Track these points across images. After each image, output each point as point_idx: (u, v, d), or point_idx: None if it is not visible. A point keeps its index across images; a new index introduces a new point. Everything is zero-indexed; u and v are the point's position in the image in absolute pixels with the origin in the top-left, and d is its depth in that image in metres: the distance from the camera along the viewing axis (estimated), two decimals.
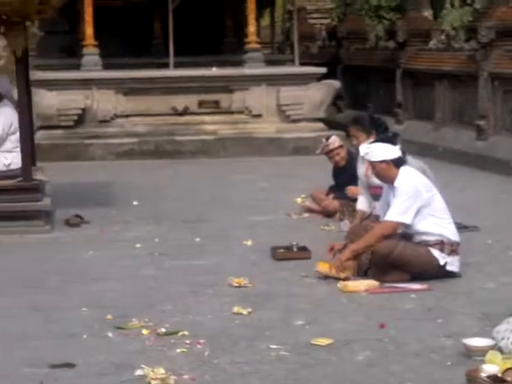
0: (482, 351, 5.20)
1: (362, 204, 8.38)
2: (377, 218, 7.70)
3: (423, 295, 6.84)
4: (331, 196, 9.97)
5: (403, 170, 7.34)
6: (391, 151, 7.37)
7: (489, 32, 13.91)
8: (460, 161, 12.88)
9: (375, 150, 7.44)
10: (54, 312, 6.56)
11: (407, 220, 7.15)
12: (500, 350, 5.15)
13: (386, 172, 7.37)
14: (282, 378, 5.15)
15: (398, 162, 7.35)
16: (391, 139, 7.66)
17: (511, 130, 13.31)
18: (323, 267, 7.39)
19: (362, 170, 8.44)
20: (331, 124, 15.49)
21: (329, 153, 10.00)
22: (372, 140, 8.05)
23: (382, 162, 7.37)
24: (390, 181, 7.36)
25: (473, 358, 5.19)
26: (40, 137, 12.30)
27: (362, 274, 7.29)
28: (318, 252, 7.89)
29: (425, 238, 7.24)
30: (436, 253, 7.18)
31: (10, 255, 8.39)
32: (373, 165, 7.51)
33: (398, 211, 7.17)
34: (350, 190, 9.36)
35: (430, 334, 5.88)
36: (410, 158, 8.40)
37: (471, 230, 8.27)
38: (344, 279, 7.18)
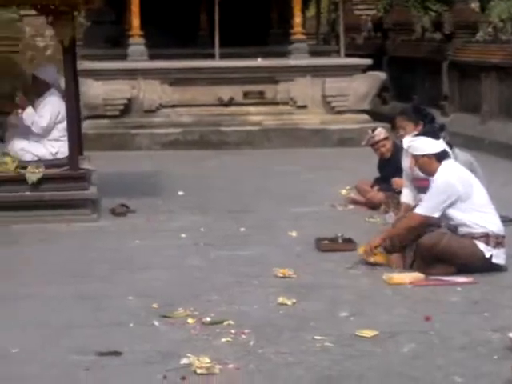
0: None
1: (407, 196, 8.34)
2: None
3: (469, 288, 6.80)
4: (376, 188, 9.96)
5: (444, 164, 7.31)
6: (433, 145, 7.35)
7: None
8: (506, 154, 12.77)
9: (418, 144, 7.43)
10: (101, 300, 6.63)
11: (435, 214, 7.16)
12: None
13: (428, 166, 7.36)
14: (326, 369, 5.15)
15: (441, 156, 7.32)
16: (435, 132, 7.65)
17: None
18: (368, 254, 7.52)
19: (406, 162, 8.40)
20: (376, 116, 15.45)
21: (374, 144, 9.98)
22: (418, 131, 8.02)
23: (424, 155, 7.36)
24: (431, 174, 7.35)
25: None
26: (86, 126, 12.39)
27: (408, 266, 7.27)
28: (363, 244, 7.86)
29: (469, 230, 7.20)
30: (481, 245, 7.13)
31: (56, 244, 8.48)
32: (416, 158, 7.51)
33: (426, 205, 7.23)
34: (395, 181, 9.33)
35: (475, 327, 5.85)
36: (457, 151, 8.39)
37: None
38: (375, 264, 7.38)
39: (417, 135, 7.72)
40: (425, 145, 7.37)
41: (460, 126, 14.20)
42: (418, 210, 7.25)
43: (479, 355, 5.35)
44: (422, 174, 7.77)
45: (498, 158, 12.08)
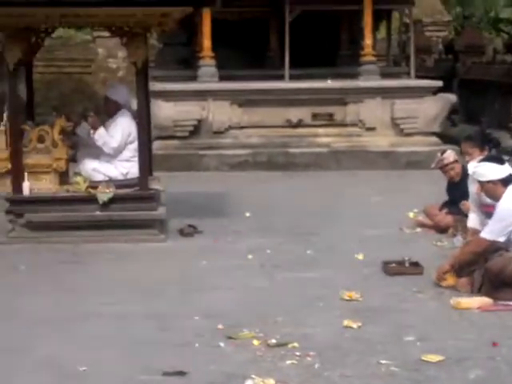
0: None
1: (473, 221, 8.27)
2: None
3: None
4: (444, 211, 9.88)
5: (510, 189, 7.26)
6: (498, 170, 7.30)
7: None
8: None
9: (483, 170, 7.39)
10: (168, 320, 6.67)
11: (500, 238, 7.11)
12: None
13: (493, 191, 7.31)
14: None
15: (506, 181, 7.27)
16: (500, 157, 7.60)
17: None
18: (444, 277, 7.49)
19: (473, 187, 8.34)
20: (445, 138, 15.36)
21: (443, 167, 9.93)
22: (483, 157, 7.97)
23: (489, 181, 7.33)
24: (497, 199, 7.30)
25: None
26: (156, 147, 12.51)
27: (476, 290, 7.20)
28: (431, 268, 7.84)
29: None
30: None
31: (125, 263, 8.56)
32: (481, 184, 7.47)
33: (491, 230, 7.17)
34: (465, 205, 9.24)
35: None
36: None
37: None
38: (446, 287, 7.34)
39: (482, 160, 7.68)
40: (490, 170, 7.32)
41: None
42: (483, 235, 7.20)
43: None
44: (488, 200, 7.73)
45: None
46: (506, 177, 7.28)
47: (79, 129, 10.22)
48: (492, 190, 7.32)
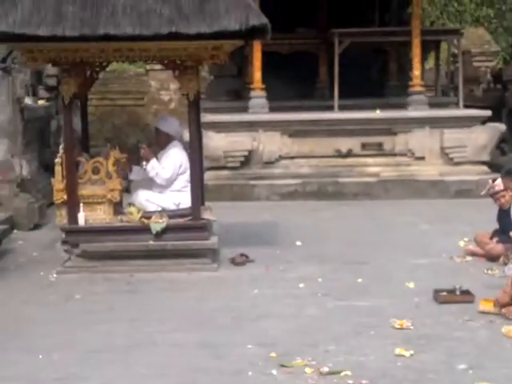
0: None
1: None
2: None
3: None
4: (495, 239, 9.80)
5: None
6: None
7: None
8: None
9: None
10: (222, 348, 6.66)
11: None
12: None
13: None
14: None
15: None
16: None
17: None
18: (485, 305, 7.47)
19: None
20: (495, 167, 15.24)
21: (494, 195, 9.88)
22: None
23: None
24: None
25: None
26: (207, 177, 12.56)
27: None
28: (481, 296, 7.78)
29: None
30: None
31: (178, 292, 8.58)
32: None
33: None
34: None
35: None
36: None
37: None
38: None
39: None
40: None
41: None
42: None
43: None
44: None
45: None
46: None
47: (132, 174, 10.32)
48: None
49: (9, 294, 8.59)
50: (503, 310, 7.39)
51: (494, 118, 16.13)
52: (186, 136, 10.19)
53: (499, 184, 9.79)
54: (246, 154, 15.31)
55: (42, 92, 15.95)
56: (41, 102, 15.45)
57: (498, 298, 7.50)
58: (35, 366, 6.29)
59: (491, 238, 9.87)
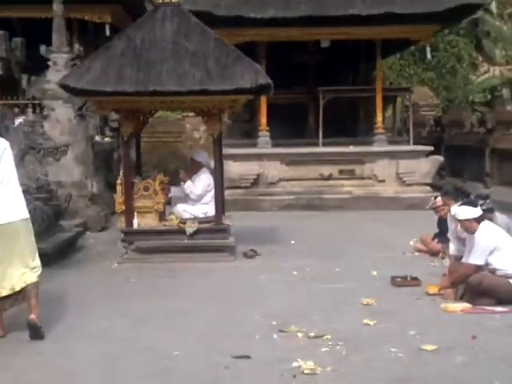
0: None
1: (452, 249, 8.26)
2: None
3: (506, 315, 6.63)
4: (436, 240, 9.79)
5: (482, 224, 7.30)
6: (472, 212, 7.34)
7: None
8: None
9: (461, 211, 7.42)
10: (236, 318, 6.69)
11: (481, 262, 7.12)
12: None
13: (470, 227, 7.32)
14: (398, 373, 5.11)
15: (479, 219, 7.30)
16: (474, 202, 7.61)
17: None
18: (431, 289, 7.50)
19: (452, 225, 8.32)
20: (436, 187, 15.19)
21: (435, 208, 9.87)
22: (460, 203, 7.92)
23: (466, 220, 7.33)
24: (472, 233, 7.30)
25: None
26: (227, 194, 12.52)
27: (459, 298, 7.16)
28: (426, 281, 7.82)
29: (505, 272, 7.09)
30: None
31: (205, 277, 8.58)
32: (460, 222, 7.47)
33: (474, 257, 7.16)
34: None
35: (511, 344, 5.72)
36: (497, 214, 8.28)
37: None
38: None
39: (461, 204, 7.67)
40: (466, 212, 7.35)
41: (498, 196, 13.83)
42: (469, 261, 7.20)
43: None
44: (463, 235, 7.74)
45: None
46: (479, 216, 7.30)
47: (172, 191, 10.35)
48: (468, 225, 7.33)
49: (83, 277, 8.63)
50: (442, 292, 7.41)
51: (435, 152, 16.13)
52: (212, 164, 10.20)
53: (439, 200, 9.77)
54: (254, 177, 15.32)
55: (107, 132, 16.03)
56: (106, 139, 15.53)
57: (441, 283, 7.56)
58: (102, 329, 6.34)
59: (433, 239, 9.88)
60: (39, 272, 6.10)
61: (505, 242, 7.25)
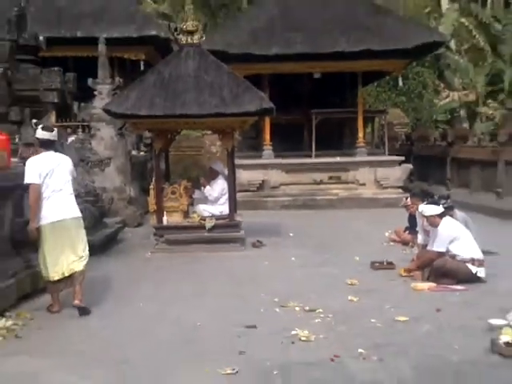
0: (501, 327, 5.08)
1: (420, 239, 8.24)
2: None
3: (463, 293, 6.66)
4: (407, 232, 9.79)
5: (444, 219, 7.35)
6: (436, 209, 7.40)
7: (503, 135, 13.67)
8: (485, 212, 12.41)
9: (427, 209, 7.47)
10: (245, 296, 6.71)
11: (443, 250, 7.15)
12: (511, 327, 5.04)
13: (434, 221, 7.35)
14: (377, 339, 5.13)
15: (441, 215, 7.34)
16: (437, 201, 7.63)
17: None
18: (403, 271, 7.53)
19: (420, 220, 8.33)
20: (406, 190, 15.16)
21: (406, 207, 9.86)
22: (426, 202, 7.94)
23: (431, 216, 7.35)
24: (435, 226, 7.32)
25: (495, 331, 5.06)
26: (238, 196, 12.50)
27: (426, 279, 7.17)
28: (399, 265, 7.82)
29: (463, 257, 7.10)
30: (470, 266, 7.06)
31: (220, 263, 8.59)
32: (426, 217, 7.50)
33: (437, 246, 7.19)
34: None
35: (468, 316, 5.75)
36: (456, 211, 8.25)
37: (491, 253, 7.94)
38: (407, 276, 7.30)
39: (427, 203, 7.69)
40: (431, 209, 7.39)
41: (457, 196, 13.80)
42: (434, 249, 7.23)
43: (471, 333, 5.29)
44: (428, 228, 7.74)
45: (480, 215, 11.71)
46: (441, 213, 7.33)
47: (195, 194, 10.35)
48: (433, 220, 7.36)
49: (122, 265, 8.62)
50: (411, 274, 7.42)
51: (406, 161, 16.08)
52: (226, 172, 10.21)
53: (409, 200, 9.78)
54: (260, 182, 15.32)
55: (142, 147, 16.06)
56: (141, 153, 15.55)
57: (410, 266, 7.58)
58: (139, 307, 6.36)
59: (404, 231, 9.87)
60: (86, 261, 6.17)
61: (462, 234, 7.29)
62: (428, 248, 7.53)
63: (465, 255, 7.11)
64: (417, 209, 8.58)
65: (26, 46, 7.76)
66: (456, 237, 7.21)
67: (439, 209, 7.41)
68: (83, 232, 6.27)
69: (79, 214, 6.23)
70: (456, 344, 4.95)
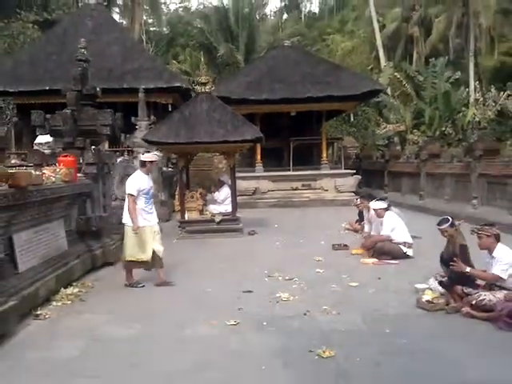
0: (423, 289, 5.07)
1: (367, 228, 8.25)
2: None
3: (397, 266, 6.66)
4: (357, 223, 9.77)
5: (387, 213, 7.31)
6: (381, 204, 7.38)
7: (424, 155, 13.63)
8: (412, 209, 12.42)
9: (377, 204, 7.45)
10: (244, 269, 6.65)
11: (388, 234, 7.13)
12: (430, 289, 5.03)
13: (380, 213, 7.33)
14: (336, 298, 5.10)
15: (386, 209, 7.32)
16: (382, 199, 7.64)
17: (435, 196, 12.85)
18: (354, 251, 7.51)
19: (366, 214, 8.34)
20: (356, 193, 15.15)
21: (357, 205, 9.85)
22: (375, 200, 7.94)
23: (377, 209, 7.34)
24: (381, 217, 7.30)
25: (419, 292, 5.05)
26: (238, 199, 12.37)
27: (371, 256, 7.15)
28: (352, 247, 7.80)
29: (398, 241, 7.10)
30: (402, 247, 7.05)
31: (225, 246, 8.51)
32: (375, 210, 7.48)
33: (385, 232, 7.18)
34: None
35: (400, 281, 5.75)
36: (392, 208, 8.24)
37: (417, 238, 7.96)
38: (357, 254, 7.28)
39: (375, 201, 7.68)
40: (380, 204, 7.39)
41: (392, 198, 13.81)
42: (383, 233, 7.17)
43: (402, 294, 5.28)
44: (373, 219, 7.73)
45: (409, 211, 11.71)
46: (385, 207, 7.34)
47: (208, 197, 10.28)
48: (380, 213, 7.34)
49: None
50: (361, 253, 7.39)
51: (356, 173, 16.09)
52: (229, 182, 10.19)
53: (359, 201, 9.76)
54: (254, 189, 15.28)
55: (170, 165, 15.99)
56: (169, 169, 15.47)
57: (361, 247, 7.55)
58: (169, 276, 6.25)
59: (355, 223, 9.86)
60: (162, 250, 6.00)
61: (398, 224, 7.26)
62: (373, 234, 7.52)
63: (399, 239, 7.12)
64: (364, 206, 8.58)
65: (87, 94, 7.72)
66: (395, 226, 7.20)
67: (384, 204, 7.41)
68: (160, 232, 6.25)
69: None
70: (392, 302, 4.95)
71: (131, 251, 5.87)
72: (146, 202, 5.94)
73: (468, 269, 4.59)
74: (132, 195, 5.81)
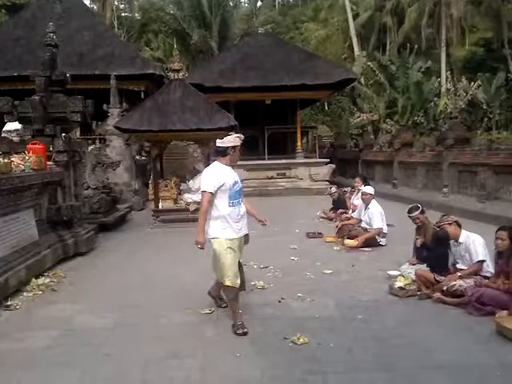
0: (396, 276, 5.17)
1: (354, 215, 8.11)
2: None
3: (370, 253, 6.77)
4: (332, 211, 9.89)
5: (373, 201, 7.40)
6: (371, 189, 7.52)
7: (397, 144, 13.82)
8: (386, 198, 12.63)
9: (367, 189, 7.50)
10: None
11: (381, 226, 7.16)
12: (403, 276, 5.13)
13: (368, 199, 7.39)
14: (310, 286, 5.16)
15: (373, 196, 7.43)
16: (370, 185, 7.79)
17: (407, 185, 13.09)
18: (328, 239, 7.57)
19: (356, 199, 8.43)
20: (331, 182, 15.35)
21: (331, 194, 9.98)
22: (365, 184, 8.08)
23: (368, 194, 7.41)
24: (366, 203, 7.38)
25: (392, 279, 5.15)
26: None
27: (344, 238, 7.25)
28: (326, 234, 7.88)
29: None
30: (377, 237, 7.17)
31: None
32: (364, 194, 7.48)
33: (376, 225, 7.15)
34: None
35: (373, 269, 5.84)
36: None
37: (390, 226, 8.11)
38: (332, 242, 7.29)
39: (365, 185, 7.79)
40: (370, 189, 7.44)
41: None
42: (376, 226, 7.15)
43: (375, 280, 5.37)
44: (356, 202, 7.81)
45: (382, 199, 11.92)
46: (374, 193, 7.42)
47: (181, 186, 10.17)
48: (368, 198, 7.38)
49: (129, 237, 8.47)
50: (334, 239, 7.47)
51: (330, 162, 16.25)
52: (202, 168, 10.11)
53: (333, 189, 9.90)
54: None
55: (143, 153, 15.77)
56: (143, 158, 15.26)
57: (337, 234, 7.61)
58: (143, 265, 6.26)
59: (330, 211, 9.97)
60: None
61: (381, 214, 7.31)
62: (355, 216, 7.62)
63: (377, 228, 7.18)
64: (356, 188, 8.58)
65: (57, 80, 7.52)
66: (382, 212, 7.23)
67: (373, 189, 7.50)
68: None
69: None
70: (365, 288, 5.04)
71: (234, 271, 4.19)
72: (231, 204, 4.25)
73: (459, 279, 4.48)
74: (209, 193, 4.05)
